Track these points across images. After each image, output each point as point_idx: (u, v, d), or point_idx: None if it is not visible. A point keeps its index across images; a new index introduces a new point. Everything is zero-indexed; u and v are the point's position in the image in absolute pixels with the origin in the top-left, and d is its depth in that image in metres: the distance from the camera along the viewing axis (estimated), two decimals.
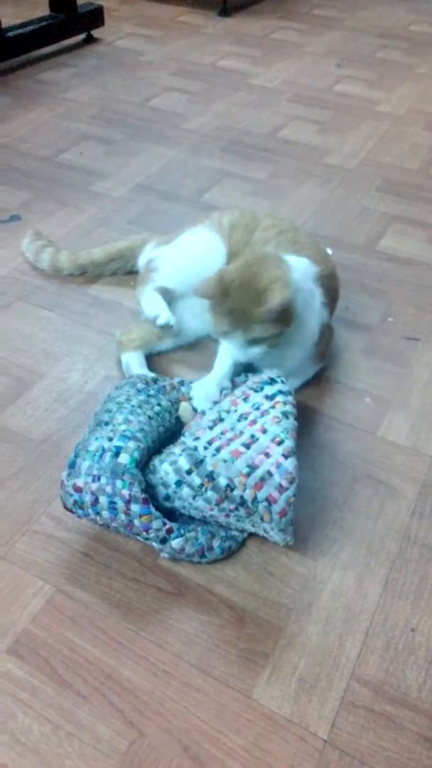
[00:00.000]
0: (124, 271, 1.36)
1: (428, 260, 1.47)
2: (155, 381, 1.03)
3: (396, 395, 1.14)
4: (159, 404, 0.97)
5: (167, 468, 0.86)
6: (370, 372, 1.18)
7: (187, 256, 1.20)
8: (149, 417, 0.93)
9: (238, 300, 0.95)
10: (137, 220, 1.55)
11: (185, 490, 0.85)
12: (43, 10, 2.46)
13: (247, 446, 0.86)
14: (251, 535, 0.91)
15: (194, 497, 0.84)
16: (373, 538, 0.92)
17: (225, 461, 0.84)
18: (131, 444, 0.86)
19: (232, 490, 0.84)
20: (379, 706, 0.75)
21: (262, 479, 0.83)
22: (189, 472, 0.85)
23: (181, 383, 1.06)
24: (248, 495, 0.82)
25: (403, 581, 0.87)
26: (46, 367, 1.16)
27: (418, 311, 1.32)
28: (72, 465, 0.86)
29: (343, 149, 1.90)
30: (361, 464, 1.02)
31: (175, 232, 1.26)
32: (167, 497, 0.86)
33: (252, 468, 0.84)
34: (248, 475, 0.83)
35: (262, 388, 0.95)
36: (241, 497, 0.84)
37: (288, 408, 0.91)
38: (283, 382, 0.97)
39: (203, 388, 1.03)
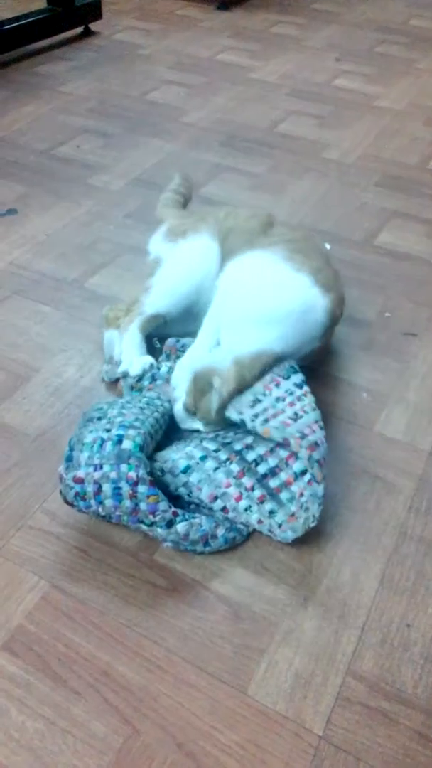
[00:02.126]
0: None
1: (426, 255, 1.46)
2: (139, 379, 1.06)
3: (393, 390, 1.13)
4: (145, 396, 0.99)
5: (191, 449, 0.91)
6: (367, 367, 1.17)
7: (180, 279, 1.15)
8: (141, 408, 0.93)
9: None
10: (135, 214, 1.54)
11: (209, 463, 0.90)
12: (40, 3, 2.44)
13: (294, 420, 0.91)
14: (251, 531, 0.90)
15: (215, 469, 0.88)
16: (370, 534, 0.91)
17: (277, 428, 0.89)
18: (131, 431, 0.87)
19: (257, 464, 0.89)
20: (374, 702, 0.75)
21: (316, 444, 0.88)
22: (216, 450, 0.91)
23: (177, 341, 1.10)
24: (303, 454, 0.87)
25: (399, 577, 0.87)
26: (41, 362, 1.16)
27: (416, 306, 1.32)
28: (69, 459, 0.86)
29: (342, 144, 1.89)
30: (358, 460, 1.01)
31: (185, 220, 1.22)
32: (186, 469, 0.88)
33: (303, 435, 0.88)
34: (302, 438, 0.88)
35: (289, 376, 1.00)
36: (263, 475, 0.88)
37: (313, 398, 0.97)
38: (299, 371, 1.02)
39: (179, 372, 1.03)
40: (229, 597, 0.84)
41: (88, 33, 2.52)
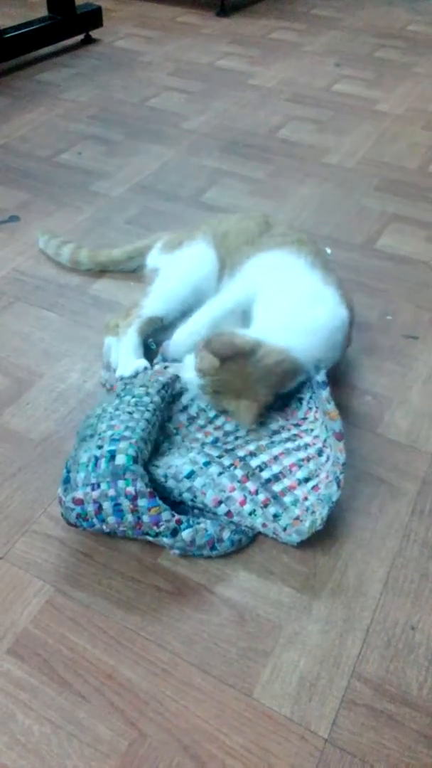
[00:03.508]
0: (143, 267, 1.34)
1: (427, 259, 1.46)
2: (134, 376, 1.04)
3: (395, 393, 1.13)
4: (133, 395, 0.96)
5: (194, 455, 0.91)
6: (369, 370, 1.18)
7: (179, 282, 1.18)
8: (129, 413, 0.92)
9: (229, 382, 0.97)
10: (136, 220, 1.55)
11: (213, 468, 0.90)
12: (41, 11, 2.46)
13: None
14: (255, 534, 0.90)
15: (220, 474, 0.89)
16: (374, 537, 0.91)
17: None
18: (122, 444, 0.85)
19: (261, 470, 0.90)
20: (379, 704, 0.75)
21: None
22: (219, 456, 0.92)
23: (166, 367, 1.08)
24: (336, 448, 0.90)
25: (404, 579, 0.87)
26: (45, 367, 1.16)
27: (417, 309, 1.32)
28: (66, 480, 0.86)
29: (341, 148, 1.90)
30: (362, 462, 1.01)
31: (180, 233, 1.26)
32: (190, 474, 0.88)
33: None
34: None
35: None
36: (267, 480, 0.89)
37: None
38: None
39: (178, 338, 1.06)
40: (234, 600, 0.84)
41: (89, 40, 2.54)
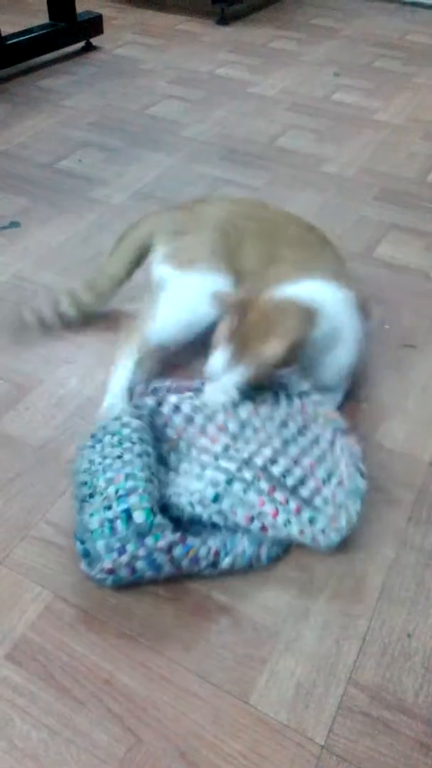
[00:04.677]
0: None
1: (425, 268, 1.48)
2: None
3: (393, 402, 1.14)
4: (112, 433, 0.90)
5: (212, 474, 0.89)
6: (367, 378, 1.19)
7: (190, 314, 1.10)
8: (118, 456, 0.86)
9: (244, 332, 0.93)
10: None
11: (237, 485, 0.88)
12: (42, 18, 2.47)
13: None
14: None
15: (245, 491, 0.87)
16: (370, 544, 0.92)
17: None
18: (133, 499, 0.81)
19: (285, 477, 0.89)
20: (376, 711, 0.76)
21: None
22: (239, 470, 0.89)
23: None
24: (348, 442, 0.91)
25: (400, 587, 0.88)
26: (44, 373, 1.17)
27: (415, 318, 1.33)
28: (86, 554, 0.82)
29: (340, 158, 1.91)
30: None
31: (180, 236, 1.17)
32: (216, 498, 0.87)
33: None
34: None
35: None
36: (294, 486, 0.88)
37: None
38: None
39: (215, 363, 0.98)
40: (231, 607, 0.84)
41: (89, 48, 2.55)
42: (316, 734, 0.73)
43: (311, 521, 0.87)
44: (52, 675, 0.77)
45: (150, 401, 0.99)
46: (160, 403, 0.99)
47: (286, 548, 0.89)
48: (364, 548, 0.92)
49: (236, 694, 0.76)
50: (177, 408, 1.00)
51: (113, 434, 0.90)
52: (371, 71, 2.51)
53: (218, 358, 0.95)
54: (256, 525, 0.86)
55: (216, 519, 0.87)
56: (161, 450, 0.96)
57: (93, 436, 0.92)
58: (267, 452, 0.92)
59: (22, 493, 0.97)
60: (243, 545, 0.86)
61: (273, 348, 0.92)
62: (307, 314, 0.95)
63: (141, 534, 0.79)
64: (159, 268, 1.16)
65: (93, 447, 0.91)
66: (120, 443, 0.88)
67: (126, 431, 0.90)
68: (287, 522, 0.86)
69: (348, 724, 0.74)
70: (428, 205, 1.71)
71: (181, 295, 1.12)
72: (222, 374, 0.96)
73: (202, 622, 0.83)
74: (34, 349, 1.22)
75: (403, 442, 1.07)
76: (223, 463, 0.91)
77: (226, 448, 0.95)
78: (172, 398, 1.00)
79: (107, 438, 0.90)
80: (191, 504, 0.87)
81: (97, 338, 1.24)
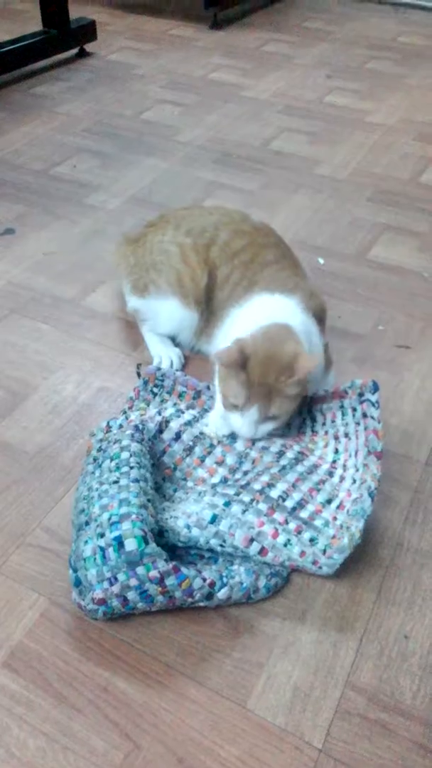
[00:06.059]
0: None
1: (418, 268, 1.48)
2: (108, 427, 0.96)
3: (388, 403, 1.14)
4: (111, 458, 0.88)
5: (211, 498, 0.87)
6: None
7: (165, 332, 1.24)
8: (115, 481, 0.84)
9: (261, 373, 0.92)
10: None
11: (235, 507, 0.86)
12: (36, 25, 2.48)
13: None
14: None
15: (244, 512, 0.85)
16: (367, 546, 0.92)
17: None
18: (125, 526, 0.78)
19: (283, 500, 0.88)
20: (373, 713, 0.75)
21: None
22: (237, 494, 0.88)
23: (158, 369, 1.07)
24: (375, 465, 0.90)
25: (396, 588, 0.88)
26: (40, 379, 1.17)
27: (409, 319, 1.33)
28: (77, 582, 0.80)
29: (333, 160, 1.92)
30: None
31: (134, 265, 1.24)
32: (214, 519, 0.84)
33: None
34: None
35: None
36: (292, 508, 0.87)
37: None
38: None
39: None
40: (228, 611, 0.84)
41: (83, 54, 2.56)
42: (313, 738, 0.73)
43: (312, 541, 0.86)
44: (49, 682, 0.77)
45: (151, 425, 0.98)
46: (161, 430, 0.99)
47: (286, 578, 0.87)
48: (360, 550, 0.91)
49: (233, 698, 0.76)
50: (178, 436, 0.99)
51: (112, 459, 0.88)
52: (364, 73, 2.52)
53: (240, 419, 0.96)
54: (255, 547, 0.84)
55: (213, 542, 0.84)
56: (156, 478, 0.94)
57: (95, 459, 0.91)
58: (265, 478, 0.91)
59: (18, 500, 0.97)
60: (240, 576, 0.83)
61: (304, 365, 0.91)
62: (294, 333, 0.97)
63: (132, 563, 0.77)
64: (130, 299, 1.27)
65: (93, 473, 0.89)
66: (118, 468, 0.86)
67: (125, 455, 0.88)
68: (288, 543, 0.85)
69: (346, 727, 0.74)
70: (422, 205, 1.71)
71: (152, 318, 1.24)
72: (252, 430, 0.96)
73: (199, 627, 0.83)
74: (29, 355, 1.22)
75: (399, 443, 1.07)
76: (221, 490, 0.89)
77: (224, 480, 0.95)
78: (173, 424, 1.00)
79: (106, 463, 0.88)
80: (188, 526, 0.84)
81: (92, 344, 1.24)
